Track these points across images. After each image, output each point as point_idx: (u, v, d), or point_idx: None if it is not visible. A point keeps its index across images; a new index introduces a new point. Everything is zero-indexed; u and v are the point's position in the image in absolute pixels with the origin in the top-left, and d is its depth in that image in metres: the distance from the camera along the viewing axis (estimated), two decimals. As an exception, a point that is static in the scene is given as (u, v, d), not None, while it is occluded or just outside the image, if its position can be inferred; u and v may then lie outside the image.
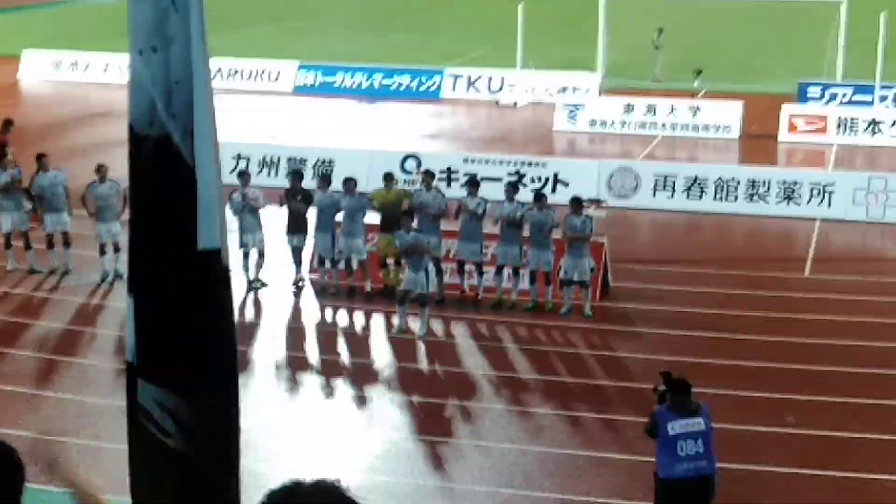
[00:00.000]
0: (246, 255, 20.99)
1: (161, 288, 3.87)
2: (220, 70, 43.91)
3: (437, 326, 19.50)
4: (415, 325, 19.28)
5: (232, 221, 21.47)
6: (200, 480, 3.94)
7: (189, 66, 3.77)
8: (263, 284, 21.20)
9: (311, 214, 21.26)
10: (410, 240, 19.19)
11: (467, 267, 20.78)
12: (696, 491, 11.95)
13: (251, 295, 20.97)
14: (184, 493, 3.96)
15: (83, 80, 44.82)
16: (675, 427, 11.82)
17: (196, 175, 3.78)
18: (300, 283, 21.27)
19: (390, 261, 20.99)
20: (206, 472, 3.96)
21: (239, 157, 28.75)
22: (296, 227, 21.19)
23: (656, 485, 12.21)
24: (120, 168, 21.82)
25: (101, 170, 21.41)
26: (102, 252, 21.33)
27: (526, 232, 20.36)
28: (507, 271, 20.59)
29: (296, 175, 22.05)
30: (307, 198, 21.11)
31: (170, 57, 3.76)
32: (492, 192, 22.50)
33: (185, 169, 3.78)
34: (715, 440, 12.06)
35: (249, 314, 20.30)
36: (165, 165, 3.81)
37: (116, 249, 21.20)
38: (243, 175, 21.69)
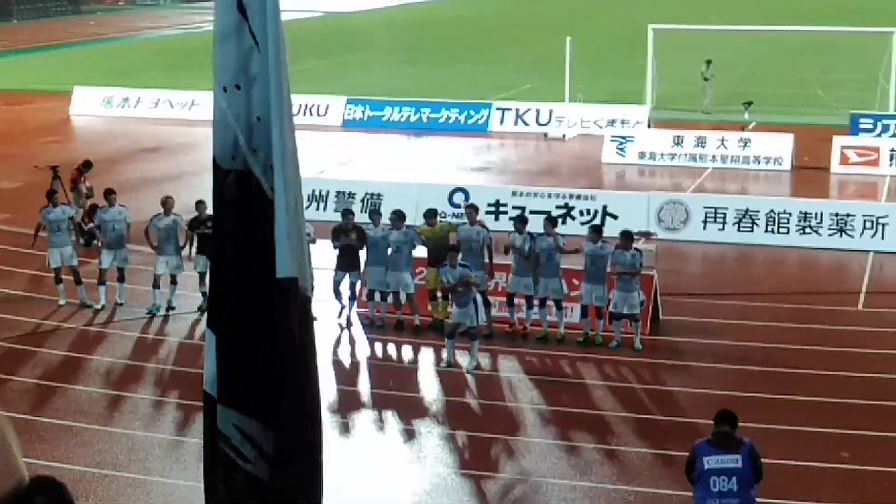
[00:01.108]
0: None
1: (242, 315, 3.98)
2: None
3: (486, 360, 19.42)
4: (463, 358, 19.21)
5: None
6: None
7: (269, 104, 3.91)
8: (313, 318, 21.16)
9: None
10: (457, 274, 19.15)
11: (517, 300, 20.67)
12: None
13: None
14: None
15: (134, 116, 45.29)
16: (710, 462, 11.64)
17: (275, 208, 3.90)
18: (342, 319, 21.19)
19: (439, 294, 20.94)
20: (284, 499, 4.01)
21: (288, 191, 28.83)
22: (347, 263, 21.15)
23: None
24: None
25: (166, 203, 21.65)
26: (156, 285, 21.47)
27: (573, 264, 20.25)
28: (550, 304, 20.47)
29: (347, 213, 21.96)
30: (361, 235, 21.09)
31: (252, 94, 3.91)
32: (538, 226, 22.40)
33: (265, 201, 3.91)
34: (754, 479, 11.74)
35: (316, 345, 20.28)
36: (246, 198, 3.96)
37: (173, 282, 21.36)
38: None
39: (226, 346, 4.03)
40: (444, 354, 19.27)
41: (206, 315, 4.11)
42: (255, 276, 3.93)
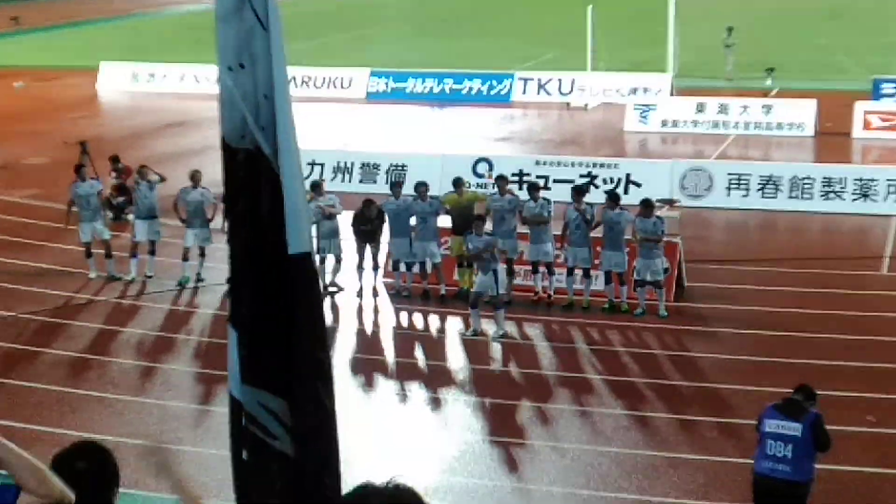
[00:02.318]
0: (322, 261, 21.25)
1: (259, 293, 4.02)
2: (293, 78, 44.39)
3: (511, 328, 19.59)
4: (488, 327, 19.39)
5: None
6: (306, 481, 4.06)
7: (274, 82, 3.94)
8: (340, 289, 21.42)
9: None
10: (482, 243, 19.30)
11: (540, 269, 20.83)
12: (777, 492, 11.85)
13: (327, 299, 21.21)
14: (290, 493, 4.08)
15: (159, 91, 45.52)
16: (770, 425, 11.81)
17: (283, 185, 3.95)
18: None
19: (465, 263, 21.10)
20: (310, 473, 4.09)
21: (313, 163, 29.04)
22: (367, 237, 21.43)
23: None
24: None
25: (195, 176, 21.86)
26: (185, 258, 21.72)
27: (599, 233, 20.40)
28: (577, 273, 20.62)
29: (368, 203, 21.90)
30: (379, 218, 21.25)
31: (257, 73, 3.92)
32: (565, 194, 22.50)
33: (275, 179, 3.95)
34: (814, 449, 11.79)
35: (326, 318, 20.51)
36: (258, 177, 3.97)
37: (202, 254, 21.62)
38: (316, 186, 21.81)
39: (247, 333, 4.10)
40: (471, 323, 19.46)
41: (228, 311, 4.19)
42: (270, 253, 3.99)
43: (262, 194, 3.96)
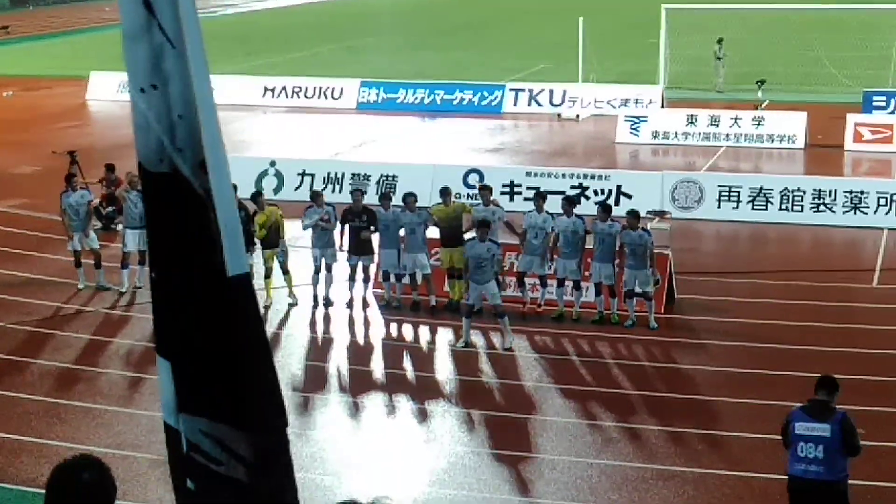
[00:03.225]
0: (317, 270, 21.18)
1: (193, 320, 3.91)
2: (284, 88, 44.39)
3: (498, 340, 19.52)
4: (476, 339, 19.35)
5: (302, 237, 21.73)
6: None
7: (190, 102, 3.81)
8: (331, 303, 21.33)
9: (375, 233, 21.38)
10: (483, 250, 19.19)
11: (531, 280, 20.78)
12: (812, 493, 11.89)
13: (319, 311, 21.15)
14: None
15: (149, 101, 45.32)
16: (800, 428, 11.84)
17: (210, 207, 3.82)
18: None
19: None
20: (267, 496, 3.98)
21: (304, 173, 29.02)
22: (358, 247, 21.27)
23: None
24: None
25: None
26: None
27: (590, 244, 20.37)
28: (568, 284, 20.58)
29: (357, 193, 22.09)
30: (371, 217, 21.21)
31: (170, 93, 3.81)
32: (554, 206, 22.47)
33: (199, 201, 3.83)
34: (843, 450, 11.81)
35: (318, 330, 20.49)
36: (180, 201, 3.85)
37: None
38: (316, 196, 21.79)
39: (181, 362, 3.99)
40: (462, 334, 19.39)
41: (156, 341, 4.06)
42: (206, 279, 3.88)
43: (187, 218, 3.85)
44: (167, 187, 3.84)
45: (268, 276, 21.33)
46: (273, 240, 21.24)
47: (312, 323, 20.76)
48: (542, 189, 24.56)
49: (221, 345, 3.84)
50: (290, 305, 21.36)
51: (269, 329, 20.13)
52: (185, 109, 3.79)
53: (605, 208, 20.79)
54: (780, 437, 12.28)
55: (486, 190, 22.01)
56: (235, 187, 21.65)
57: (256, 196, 21.98)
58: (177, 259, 3.87)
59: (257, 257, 21.13)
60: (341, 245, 21.31)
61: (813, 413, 11.92)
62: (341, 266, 21.38)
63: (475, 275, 19.28)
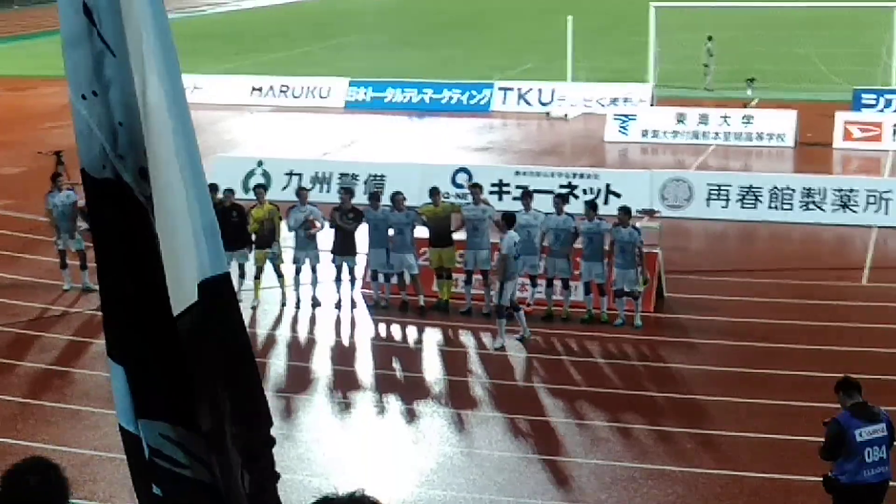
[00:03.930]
0: (298, 271, 21.07)
1: (145, 323, 3.85)
2: (271, 87, 44.26)
3: (489, 339, 19.47)
4: (464, 338, 19.28)
5: (287, 238, 21.63)
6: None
7: (132, 108, 3.76)
8: (318, 303, 21.23)
9: (361, 233, 21.28)
10: (513, 243, 19.13)
11: (521, 280, 20.69)
12: (879, 496, 11.81)
13: (305, 312, 21.05)
14: None
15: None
16: (864, 434, 11.60)
17: (151, 213, 3.77)
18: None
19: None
20: (236, 496, 3.89)
21: (291, 173, 28.91)
22: (344, 247, 21.15)
23: (833, 490, 11.90)
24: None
25: None
26: None
27: (579, 244, 20.30)
28: (557, 283, 20.51)
29: (346, 192, 22.02)
30: (358, 216, 21.12)
31: (110, 99, 3.77)
32: (544, 204, 22.39)
33: (140, 209, 3.78)
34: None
35: (305, 330, 20.39)
36: (122, 206, 3.82)
37: None
38: (300, 194, 21.73)
39: (135, 367, 3.92)
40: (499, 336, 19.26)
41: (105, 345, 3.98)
42: (150, 285, 3.81)
43: (129, 224, 3.81)
44: (110, 194, 3.83)
45: (257, 276, 21.22)
46: (266, 240, 21.14)
47: (300, 324, 20.65)
48: (530, 188, 24.49)
49: (174, 349, 3.76)
50: (282, 306, 21.24)
51: (258, 330, 20.03)
52: (125, 116, 3.76)
53: (592, 206, 20.71)
54: (768, 436, 12.25)
55: (476, 188, 21.86)
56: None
57: (258, 188, 21.92)
58: (122, 265, 3.83)
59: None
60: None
61: (865, 416, 11.72)
62: (326, 266, 21.28)
63: (512, 268, 19.08)
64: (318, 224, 21.17)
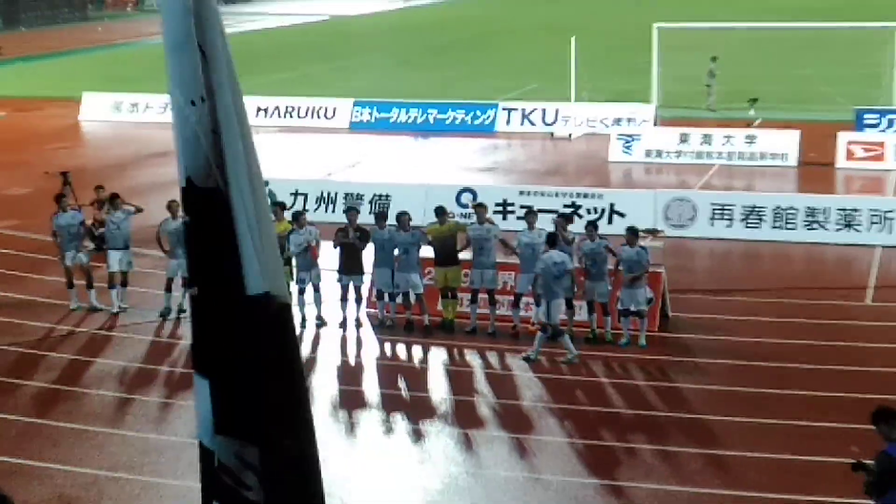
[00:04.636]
0: (302, 292, 21.13)
1: (225, 337, 3.85)
2: (276, 108, 44.41)
3: (494, 359, 19.51)
4: (470, 358, 19.29)
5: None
6: None
7: (222, 117, 3.76)
8: (323, 322, 21.28)
9: (366, 253, 21.34)
10: (563, 260, 19.23)
11: (525, 299, 20.72)
12: None
13: (309, 331, 21.09)
14: None
15: (142, 121, 45.43)
16: None
17: (236, 222, 3.77)
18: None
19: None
20: None
21: (296, 193, 28.99)
22: (350, 266, 21.21)
23: None
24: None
25: (172, 207, 21.65)
26: (168, 289, 21.58)
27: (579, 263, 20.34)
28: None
29: (352, 211, 22.05)
30: (365, 235, 21.18)
31: (209, 108, 3.75)
32: (548, 224, 22.45)
33: (231, 216, 3.78)
34: None
35: (311, 350, 20.42)
36: (220, 217, 3.79)
37: (185, 285, 21.46)
38: (297, 217, 21.73)
39: (219, 381, 3.92)
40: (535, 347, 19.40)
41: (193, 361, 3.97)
42: (233, 296, 3.82)
43: (224, 236, 3.79)
44: (212, 203, 3.77)
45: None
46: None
47: (305, 343, 20.68)
48: (535, 208, 24.51)
49: (248, 364, 3.79)
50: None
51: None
52: (217, 125, 3.73)
53: (594, 227, 20.76)
54: (774, 455, 12.21)
55: (481, 208, 21.91)
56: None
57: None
58: (220, 275, 3.80)
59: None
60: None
61: None
62: (330, 286, 21.33)
63: (554, 287, 19.17)
64: (315, 247, 21.21)
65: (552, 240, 19.58)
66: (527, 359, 19.30)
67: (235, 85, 3.80)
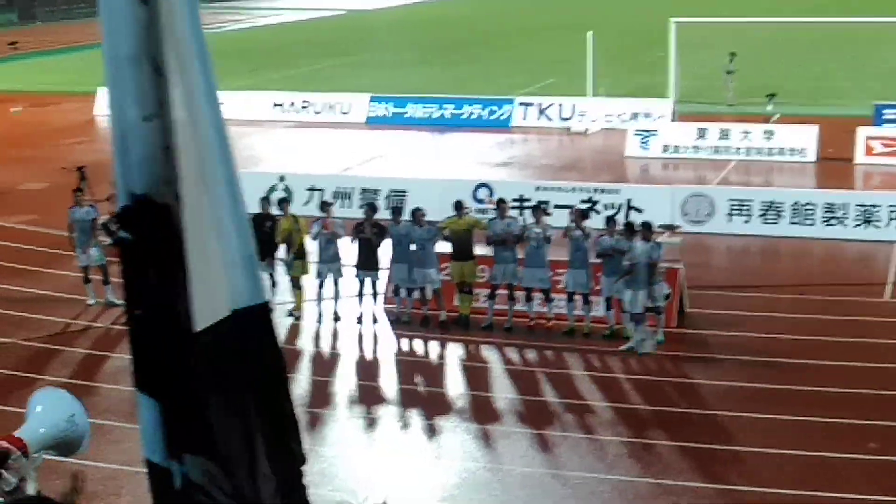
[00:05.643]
0: (321, 285, 21.12)
1: (179, 357, 3.79)
2: (293, 103, 44.42)
3: (512, 354, 19.47)
4: (488, 353, 19.26)
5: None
6: None
7: (181, 131, 3.69)
8: (339, 318, 21.28)
9: (383, 248, 21.33)
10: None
11: (535, 294, 20.68)
12: None
13: (327, 326, 21.08)
14: None
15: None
16: None
17: (184, 242, 3.70)
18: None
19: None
20: None
21: (313, 188, 28.98)
22: (367, 262, 21.22)
23: None
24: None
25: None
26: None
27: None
28: (577, 299, 20.45)
29: (370, 208, 22.06)
30: (382, 230, 21.17)
31: (166, 122, 3.70)
32: (563, 219, 22.38)
33: (180, 234, 3.72)
34: None
35: (327, 345, 20.42)
36: (171, 233, 3.74)
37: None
38: (325, 205, 22.10)
39: (170, 402, 3.84)
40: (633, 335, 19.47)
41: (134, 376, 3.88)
42: (183, 319, 3.74)
43: (174, 251, 3.74)
44: (164, 220, 3.73)
45: (297, 286, 21.52)
46: (300, 251, 21.41)
47: (322, 338, 20.68)
48: (551, 203, 24.50)
49: (210, 382, 3.71)
50: (297, 319, 21.29)
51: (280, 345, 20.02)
52: (171, 139, 3.69)
53: (610, 223, 20.69)
54: (791, 452, 12.19)
55: (502, 203, 21.86)
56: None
57: (282, 202, 22.15)
58: (162, 293, 3.74)
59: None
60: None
61: None
62: (349, 281, 21.33)
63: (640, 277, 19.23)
64: (337, 231, 21.23)
65: (631, 230, 19.68)
66: (630, 350, 19.31)
67: (204, 98, 3.70)
